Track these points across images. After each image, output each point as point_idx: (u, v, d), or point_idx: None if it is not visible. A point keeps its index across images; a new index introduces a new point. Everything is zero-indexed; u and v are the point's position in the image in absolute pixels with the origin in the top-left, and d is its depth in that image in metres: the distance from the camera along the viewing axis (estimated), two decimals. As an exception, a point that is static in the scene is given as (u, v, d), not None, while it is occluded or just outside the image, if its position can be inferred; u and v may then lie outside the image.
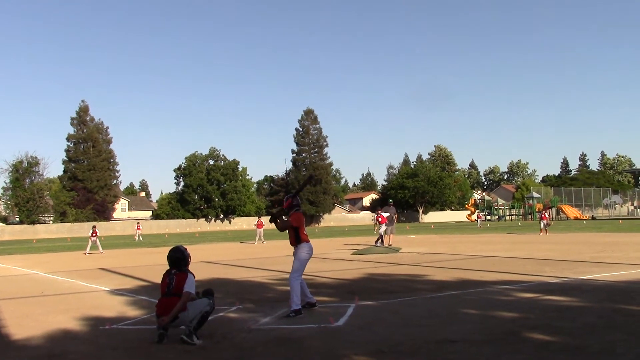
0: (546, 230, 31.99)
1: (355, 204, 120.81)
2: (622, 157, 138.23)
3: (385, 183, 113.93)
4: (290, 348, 6.13)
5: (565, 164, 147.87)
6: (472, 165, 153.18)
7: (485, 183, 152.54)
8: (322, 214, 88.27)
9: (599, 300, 8.48)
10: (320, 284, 11.57)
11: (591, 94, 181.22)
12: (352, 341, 6.30)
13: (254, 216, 73.72)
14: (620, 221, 57.11)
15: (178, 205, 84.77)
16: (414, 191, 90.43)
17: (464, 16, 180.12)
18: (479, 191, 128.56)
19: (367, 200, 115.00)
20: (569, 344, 5.82)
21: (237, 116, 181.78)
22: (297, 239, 8.26)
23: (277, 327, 7.20)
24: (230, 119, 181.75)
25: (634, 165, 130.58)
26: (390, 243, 22.39)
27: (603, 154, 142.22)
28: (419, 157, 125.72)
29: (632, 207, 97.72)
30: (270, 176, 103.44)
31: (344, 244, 27.38)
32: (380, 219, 22.23)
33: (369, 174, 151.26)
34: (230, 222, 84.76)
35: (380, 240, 21.88)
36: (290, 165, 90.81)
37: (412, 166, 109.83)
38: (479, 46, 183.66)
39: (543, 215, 33.24)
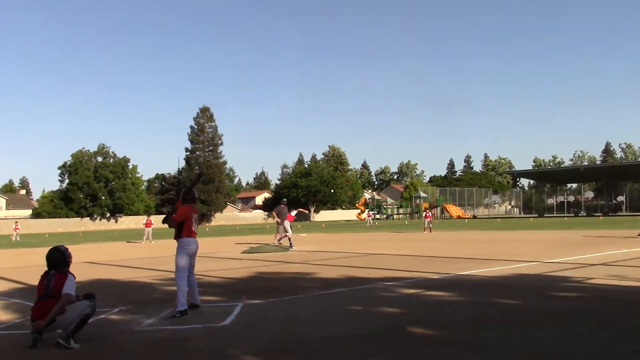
0: (430, 228, 33.28)
1: (247, 202, 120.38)
2: (503, 159, 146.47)
3: (278, 182, 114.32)
4: (174, 349, 6.00)
5: (451, 165, 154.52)
6: (364, 166, 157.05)
7: (376, 183, 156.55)
8: (213, 212, 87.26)
9: (477, 295, 8.92)
10: (208, 283, 11.41)
11: (472, 101, 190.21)
12: (239, 340, 6.25)
13: (142, 215, 71.69)
14: (499, 220, 60.54)
15: (61, 203, 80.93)
16: (306, 190, 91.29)
17: (346, 17, 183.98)
18: (370, 190, 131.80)
19: (259, 199, 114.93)
20: (447, 337, 6.07)
21: (129, 112, 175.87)
22: (178, 234, 8.05)
23: (162, 328, 7.02)
24: (122, 115, 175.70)
25: (513, 167, 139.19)
26: (280, 242, 22.45)
27: (486, 156, 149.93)
28: (313, 157, 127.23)
29: (510, 207, 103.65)
30: (162, 174, 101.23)
31: (235, 243, 27.17)
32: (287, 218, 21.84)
33: (262, 173, 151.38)
34: (117, 221, 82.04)
35: (281, 239, 21.69)
36: (183, 164, 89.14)
37: (306, 166, 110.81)
38: (373, 49, 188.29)
39: (427, 214, 34.58)
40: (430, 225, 33.78)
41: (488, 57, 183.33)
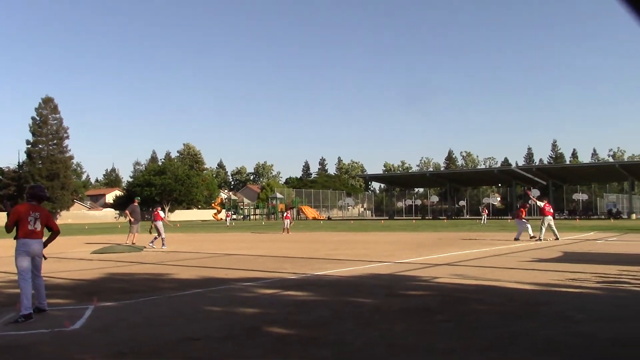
0: (288, 229, 33.69)
1: (97, 200, 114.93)
2: (356, 163, 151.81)
3: (131, 179, 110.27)
4: (16, 356, 5.59)
5: (306, 167, 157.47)
6: (220, 165, 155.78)
7: (233, 183, 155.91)
8: (59, 210, 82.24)
9: (333, 294, 9.18)
10: (55, 285, 10.73)
11: (325, 106, 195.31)
12: (90, 345, 5.95)
13: (-23, 212, 66.11)
14: (352, 221, 62.65)
15: None
16: (161, 189, 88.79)
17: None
18: (226, 190, 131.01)
19: (110, 197, 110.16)
20: (304, 336, 6.18)
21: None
22: (16, 234, 7.68)
23: (3, 334, 6.50)
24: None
25: (365, 171, 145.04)
26: (134, 241, 21.71)
27: (340, 160, 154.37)
28: (168, 155, 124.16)
29: (362, 209, 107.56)
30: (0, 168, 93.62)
31: (84, 243, 25.84)
32: (155, 217, 21.27)
33: (113, 170, 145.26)
34: (-55, 219, 75.01)
35: (154, 240, 21.03)
36: (24, 157, 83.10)
37: (160, 163, 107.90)
38: (232, 45, 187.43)
39: (287, 215, 35.02)
40: (289, 226, 34.20)
41: (338, 62, 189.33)
